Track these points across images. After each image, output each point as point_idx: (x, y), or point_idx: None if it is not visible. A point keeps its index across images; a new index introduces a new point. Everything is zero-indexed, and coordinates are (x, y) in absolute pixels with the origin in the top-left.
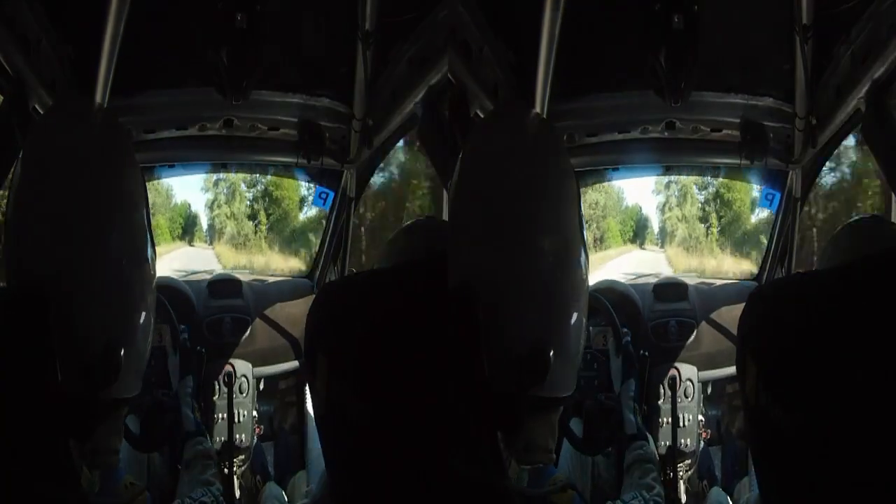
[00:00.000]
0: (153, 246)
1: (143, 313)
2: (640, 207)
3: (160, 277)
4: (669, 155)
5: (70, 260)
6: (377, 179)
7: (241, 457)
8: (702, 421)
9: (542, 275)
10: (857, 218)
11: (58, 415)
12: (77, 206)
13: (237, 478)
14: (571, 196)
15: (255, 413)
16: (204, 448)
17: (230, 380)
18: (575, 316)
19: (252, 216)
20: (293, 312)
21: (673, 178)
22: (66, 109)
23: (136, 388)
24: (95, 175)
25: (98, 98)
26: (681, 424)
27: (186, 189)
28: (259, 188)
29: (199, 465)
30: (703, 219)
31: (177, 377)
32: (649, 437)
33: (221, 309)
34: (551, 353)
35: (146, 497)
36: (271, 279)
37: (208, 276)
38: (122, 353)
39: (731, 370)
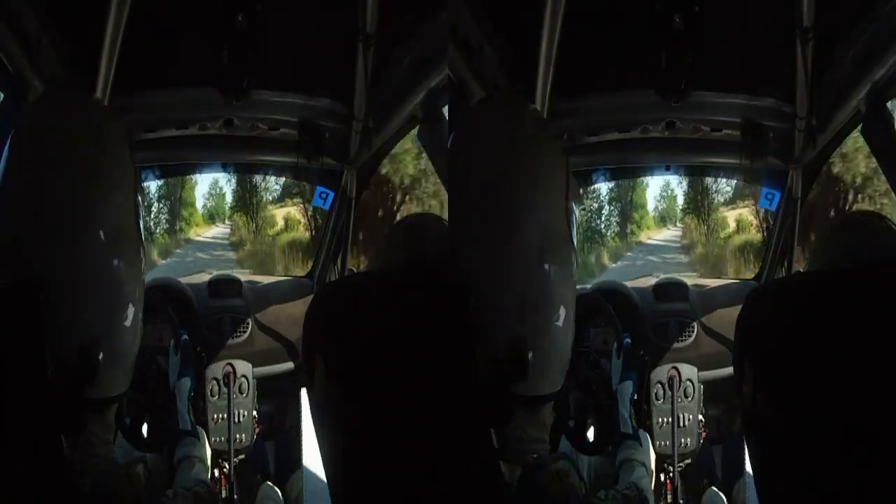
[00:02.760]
0: (142, 241)
1: (130, 310)
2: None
3: (159, 277)
4: (670, 155)
5: (51, 253)
6: None
7: (241, 457)
8: (702, 421)
9: (523, 271)
10: (852, 213)
11: (48, 407)
12: (61, 198)
13: (236, 477)
14: (559, 188)
15: (255, 413)
16: (195, 449)
17: (230, 380)
18: (561, 312)
19: None
20: (293, 312)
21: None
22: (57, 99)
23: (123, 386)
24: (82, 166)
25: (98, 95)
26: (681, 424)
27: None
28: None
29: (192, 465)
30: None
31: (174, 376)
32: (648, 437)
33: (221, 309)
34: (530, 355)
35: (140, 486)
36: (272, 279)
37: (208, 276)
38: (100, 354)
39: (731, 370)
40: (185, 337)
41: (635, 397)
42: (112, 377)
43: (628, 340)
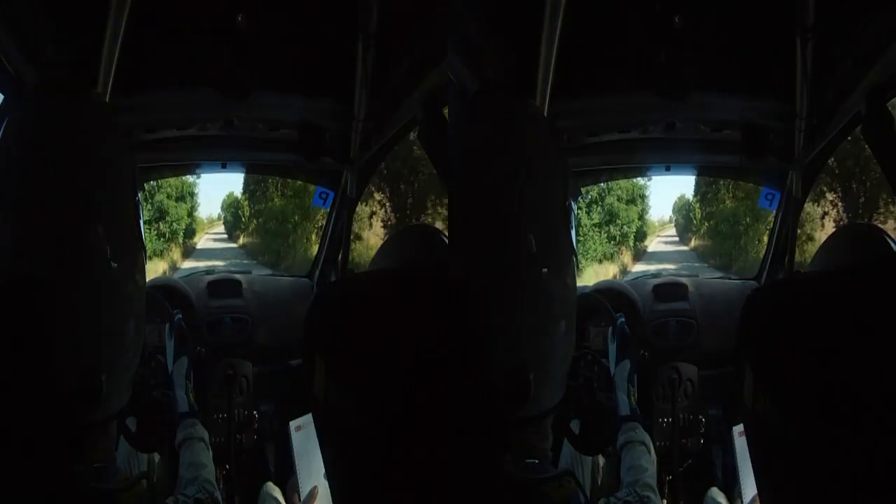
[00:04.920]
0: (144, 245)
1: (132, 320)
2: None
3: (159, 277)
4: (670, 155)
5: (49, 259)
6: None
7: (242, 457)
8: (702, 420)
9: (522, 277)
10: (849, 224)
11: (49, 423)
12: (60, 202)
13: (236, 477)
14: (557, 185)
15: (255, 413)
16: (196, 430)
17: (230, 380)
18: (562, 322)
19: None
20: (293, 312)
21: None
22: (55, 96)
23: (124, 399)
24: (81, 166)
25: (97, 93)
26: (680, 424)
27: None
28: None
29: (193, 447)
30: None
31: (171, 361)
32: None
33: (221, 309)
34: (531, 377)
35: (144, 485)
36: (271, 279)
37: (208, 277)
38: (102, 377)
39: (731, 370)
40: (179, 316)
41: (633, 383)
42: (114, 392)
43: (622, 321)
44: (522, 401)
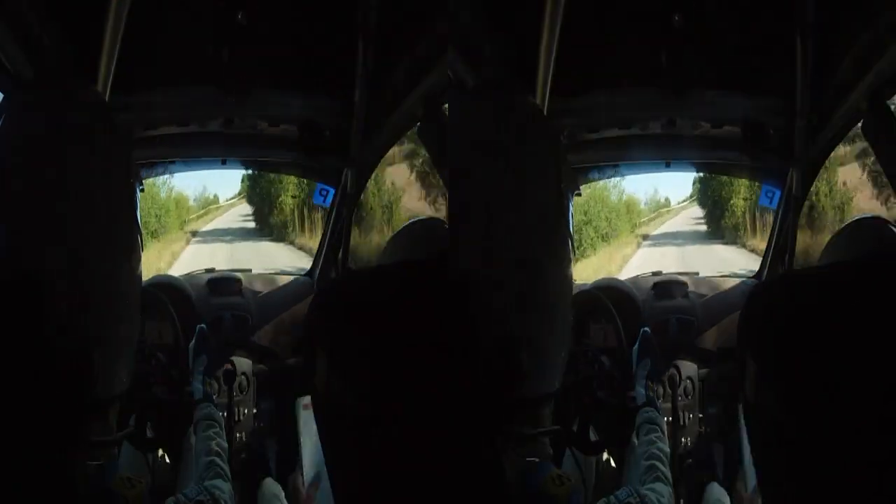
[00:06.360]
0: (141, 238)
1: (129, 309)
2: None
3: (159, 275)
4: (670, 152)
5: (47, 250)
6: None
7: (242, 455)
8: (702, 418)
9: (518, 267)
10: (857, 218)
11: (47, 408)
12: (57, 193)
13: (237, 476)
14: (553, 177)
15: (255, 411)
16: (209, 412)
17: (230, 378)
18: (557, 308)
19: None
20: (294, 310)
21: None
22: (53, 92)
23: (123, 385)
24: (79, 162)
25: (96, 89)
26: (681, 423)
27: None
28: None
29: (205, 426)
30: None
31: (191, 357)
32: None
33: (221, 307)
34: (526, 357)
35: (143, 489)
36: (271, 276)
37: (208, 274)
38: (98, 356)
39: (732, 368)
40: (203, 326)
41: (652, 380)
42: (111, 376)
43: (646, 329)
44: (518, 379)
